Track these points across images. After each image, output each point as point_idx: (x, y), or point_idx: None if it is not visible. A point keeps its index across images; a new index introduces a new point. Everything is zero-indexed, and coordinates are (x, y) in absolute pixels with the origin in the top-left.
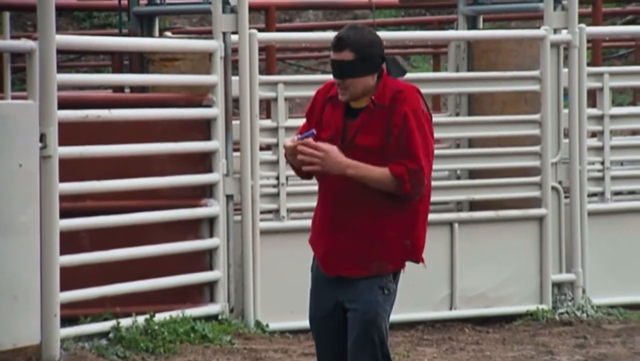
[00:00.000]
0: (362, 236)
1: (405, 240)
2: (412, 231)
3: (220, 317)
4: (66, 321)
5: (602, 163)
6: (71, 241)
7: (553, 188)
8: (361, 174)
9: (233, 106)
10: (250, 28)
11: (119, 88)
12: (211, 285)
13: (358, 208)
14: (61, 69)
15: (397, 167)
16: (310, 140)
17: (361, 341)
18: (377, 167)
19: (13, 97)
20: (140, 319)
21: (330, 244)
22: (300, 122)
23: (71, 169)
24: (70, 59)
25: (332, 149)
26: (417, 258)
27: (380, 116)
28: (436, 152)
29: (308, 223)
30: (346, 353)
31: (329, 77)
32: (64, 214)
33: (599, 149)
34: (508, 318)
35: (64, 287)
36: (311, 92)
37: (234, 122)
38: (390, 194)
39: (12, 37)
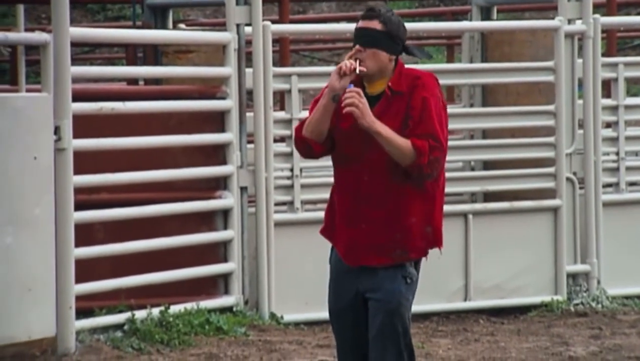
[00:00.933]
0: (384, 226)
1: (426, 227)
2: (432, 217)
3: (234, 309)
4: (81, 313)
5: (617, 154)
6: (86, 234)
7: (568, 178)
8: (385, 135)
9: (247, 98)
10: (263, 20)
11: (133, 80)
12: (226, 277)
13: (380, 197)
14: (75, 61)
15: (419, 141)
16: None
17: (384, 331)
18: (400, 138)
19: (27, 90)
20: (155, 311)
21: (353, 235)
22: None
23: (85, 162)
24: (84, 51)
25: (366, 105)
26: (439, 245)
27: (398, 103)
28: (450, 143)
29: (322, 214)
30: (366, 344)
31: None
32: (79, 206)
33: (614, 140)
34: (523, 309)
35: (79, 279)
36: (325, 84)
37: (248, 114)
38: (410, 182)
39: (27, 30)
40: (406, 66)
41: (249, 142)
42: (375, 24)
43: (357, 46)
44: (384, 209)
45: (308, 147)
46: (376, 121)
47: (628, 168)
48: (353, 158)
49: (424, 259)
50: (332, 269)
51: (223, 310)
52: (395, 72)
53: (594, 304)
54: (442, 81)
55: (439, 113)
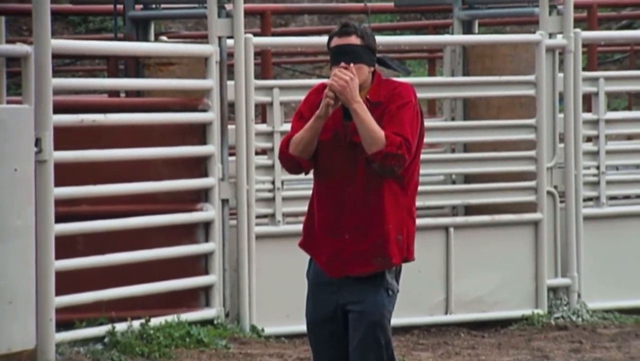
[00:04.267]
0: (365, 233)
1: (398, 235)
2: (403, 226)
3: (215, 321)
4: (61, 325)
5: (598, 168)
6: (67, 246)
7: (548, 192)
8: (362, 115)
9: (229, 111)
10: (245, 32)
11: (114, 92)
12: (207, 290)
13: (360, 206)
14: (56, 73)
15: (391, 134)
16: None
17: (367, 343)
18: (371, 120)
19: (8, 102)
20: (136, 323)
21: (336, 246)
22: None
23: (66, 174)
24: (65, 63)
25: (356, 83)
26: (409, 256)
27: (376, 115)
28: (432, 156)
29: None
30: (344, 357)
31: (325, 81)
32: (60, 218)
33: (595, 154)
34: (504, 323)
35: (60, 291)
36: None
37: (229, 126)
38: (389, 189)
39: (8, 42)
40: (384, 77)
41: (231, 154)
42: (354, 39)
43: (342, 63)
44: (364, 217)
45: (297, 164)
46: (357, 100)
47: (608, 182)
48: (333, 169)
49: (403, 272)
50: (310, 282)
51: (204, 323)
52: (373, 83)
53: (574, 318)
54: (424, 94)
55: (411, 119)
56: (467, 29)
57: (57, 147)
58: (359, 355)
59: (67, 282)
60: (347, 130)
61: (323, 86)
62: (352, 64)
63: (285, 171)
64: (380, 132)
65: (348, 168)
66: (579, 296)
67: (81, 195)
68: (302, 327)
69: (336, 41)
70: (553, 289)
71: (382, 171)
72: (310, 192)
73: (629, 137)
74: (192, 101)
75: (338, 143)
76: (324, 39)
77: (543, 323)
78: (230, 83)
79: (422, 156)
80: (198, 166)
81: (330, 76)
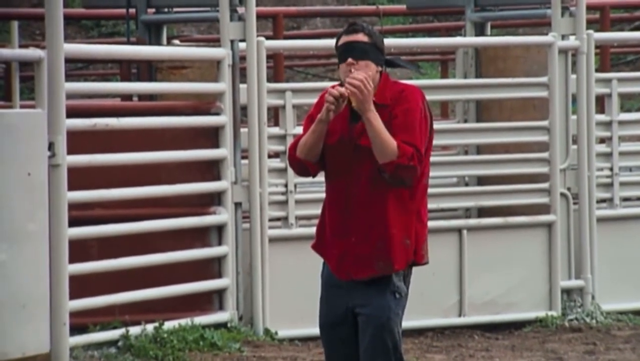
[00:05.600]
0: (368, 236)
1: (405, 240)
2: (411, 231)
3: (229, 325)
4: (75, 329)
5: (611, 169)
6: (80, 250)
7: (562, 194)
8: (375, 125)
9: (241, 114)
10: (258, 36)
11: (127, 96)
12: (220, 293)
13: (365, 209)
14: (69, 77)
15: (404, 144)
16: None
17: (374, 346)
18: (384, 132)
19: (21, 106)
20: (150, 327)
21: (343, 248)
22: None
23: (80, 178)
24: (78, 67)
25: (371, 89)
26: (418, 258)
27: (382, 116)
28: (444, 158)
29: None
30: (356, 359)
31: (335, 84)
32: (73, 222)
33: (608, 155)
34: (517, 325)
35: (73, 295)
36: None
37: (242, 129)
38: (395, 192)
39: (21, 46)
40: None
41: (243, 157)
42: (361, 37)
43: (349, 59)
44: (368, 221)
45: (304, 167)
46: (371, 109)
47: (622, 184)
48: (340, 172)
49: (415, 274)
50: (323, 284)
51: (217, 326)
52: (380, 85)
53: (588, 319)
54: (436, 97)
55: (421, 125)
56: (480, 31)
57: (70, 151)
58: (367, 358)
59: (81, 286)
60: (352, 133)
61: (334, 89)
62: (359, 61)
63: (296, 174)
64: (392, 143)
65: (353, 171)
66: (592, 297)
67: (94, 199)
68: (316, 330)
69: (344, 39)
70: (567, 291)
71: (392, 182)
72: (322, 195)
73: None
74: (205, 104)
75: (344, 146)
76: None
77: (557, 325)
78: (242, 86)
79: (435, 158)
80: (211, 170)
81: (339, 75)
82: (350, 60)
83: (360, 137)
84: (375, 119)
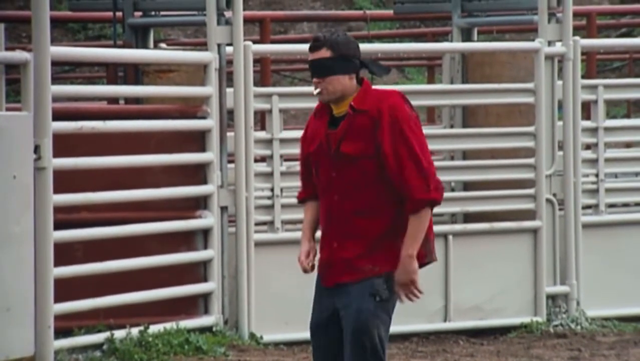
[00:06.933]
0: (349, 243)
1: (396, 241)
2: (396, 235)
3: (214, 329)
4: (60, 332)
5: (597, 175)
6: (65, 253)
7: (547, 200)
8: (415, 247)
9: (228, 118)
10: (245, 40)
11: (113, 100)
12: (205, 297)
13: (346, 214)
14: (55, 80)
15: (411, 205)
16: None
17: (352, 348)
18: (410, 227)
19: (7, 109)
20: (134, 331)
21: (327, 253)
22: (295, 134)
23: (65, 181)
24: (64, 70)
25: (406, 279)
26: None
27: (362, 123)
28: None
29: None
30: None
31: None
32: (58, 225)
33: (593, 162)
34: (502, 330)
35: (58, 299)
36: (306, 104)
37: (228, 133)
38: (378, 197)
39: (7, 49)
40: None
41: (230, 162)
42: (323, 53)
43: (314, 79)
44: (349, 226)
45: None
46: (411, 264)
47: (607, 190)
48: (323, 177)
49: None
50: (316, 285)
51: (203, 330)
52: (359, 92)
53: (573, 325)
54: (423, 102)
55: (417, 137)
56: (467, 36)
57: (56, 154)
58: (347, 359)
59: (66, 289)
60: (330, 139)
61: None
62: (325, 78)
63: (283, 177)
64: (421, 220)
65: (332, 177)
66: (577, 303)
67: (80, 202)
68: (301, 334)
69: (309, 56)
70: (552, 297)
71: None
72: None
73: (628, 145)
74: (191, 108)
75: (323, 153)
76: None
77: (542, 331)
78: (229, 90)
79: None
80: (197, 173)
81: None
82: (315, 79)
83: (340, 144)
84: (412, 250)
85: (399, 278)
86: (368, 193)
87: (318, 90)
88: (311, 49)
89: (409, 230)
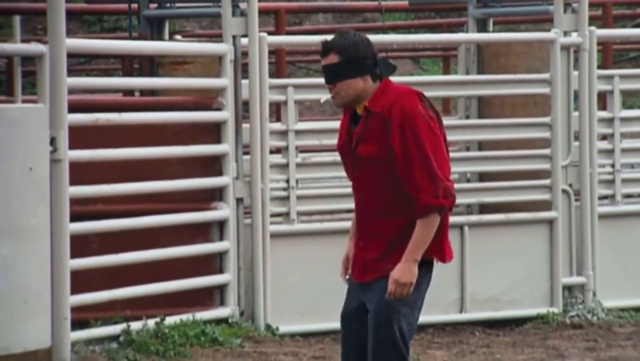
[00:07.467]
0: (374, 240)
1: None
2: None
3: (230, 320)
4: (76, 324)
5: (613, 166)
6: (81, 245)
7: (563, 190)
8: (420, 251)
9: (243, 109)
10: (260, 31)
11: (129, 92)
12: (221, 288)
13: (370, 214)
14: (71, 72)
15: (418, 210)
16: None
17: (375, 342)
18: (417, 231)
19: (23, 101)
20: (151, 322)
21: (356, 251)
22: (310, 125)
23: (81, 173)
24: (80, 62)
25: (403, 280)
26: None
27: (376, 125)
28: None
29: (318, 226)
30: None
31: None
32: (74, 217)
33: (610, 152)
34: (518, 321)
35: (74, 290)
36: (320, 95)
37: (244, 125)
38: (399, 197)
39: (23, 41)
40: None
41: (245, 153)
42: (332, 58)
43: (327, 85)
44: (371, 226)
45: None
46: (409, 268)
47: (624, 180)
48: (350, 177)
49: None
50: (348, 278)
51: (218, 321)
52: (375, 92)
53: (589, 316)
54: (438, 93)
55: (430, 139)
56: (482, 27)
57: (72, 146)
58: (370, 353)
59: (82, 281)
60: (351, 137)
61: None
62: (336, 84)
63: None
64: (428, 225)
65: (355, 176)
66: (594, 294)
67: (96, 194)
68: (317, 325)
69: (321, 62)
70: (568, 288)
71: (452, 202)
72: (324, 191)
73: None
74: (207, 99)
75: (346, 151)
76: None
77: (558, 322)
78: (244, 82)
79: None
80: (212, 165)
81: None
82: (327, 85)
83: (357, 145)
84: (414, 257)
85: (397, 277)
86: (386, 193)
87: (332, 95)
88: (321, 55)
89: (414, 234)
